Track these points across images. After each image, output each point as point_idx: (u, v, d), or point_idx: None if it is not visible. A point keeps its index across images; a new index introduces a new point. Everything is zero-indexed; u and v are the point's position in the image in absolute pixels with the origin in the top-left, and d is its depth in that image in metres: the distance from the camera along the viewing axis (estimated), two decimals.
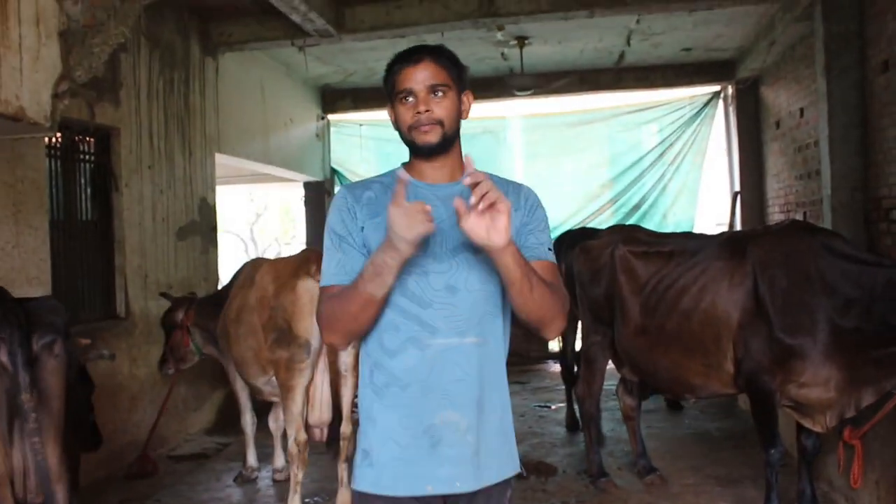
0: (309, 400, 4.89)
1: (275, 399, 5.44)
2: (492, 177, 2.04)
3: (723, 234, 5.83)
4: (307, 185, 12.16)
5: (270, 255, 25.88)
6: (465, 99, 2.22)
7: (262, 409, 6.11)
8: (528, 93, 10.47)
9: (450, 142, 2.17)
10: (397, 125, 2.20)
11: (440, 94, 2.13)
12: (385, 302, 2.04)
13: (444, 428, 2.10)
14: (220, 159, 8.59)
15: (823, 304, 4.03)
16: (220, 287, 7.57)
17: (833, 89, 7.13)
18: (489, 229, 1.89)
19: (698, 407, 7.46)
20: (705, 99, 11.64)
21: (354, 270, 2.08)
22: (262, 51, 9.00)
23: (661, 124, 11.81)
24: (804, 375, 4.09)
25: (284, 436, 6.04)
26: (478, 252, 2.06)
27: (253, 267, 5.65)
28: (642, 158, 11.82)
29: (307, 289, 4.75)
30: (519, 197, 2.25)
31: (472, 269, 2.12)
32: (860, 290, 3.94)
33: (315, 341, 4.75)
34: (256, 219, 29.19)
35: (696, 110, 11.66)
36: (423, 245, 2.01)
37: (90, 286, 6.48)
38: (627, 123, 11.98)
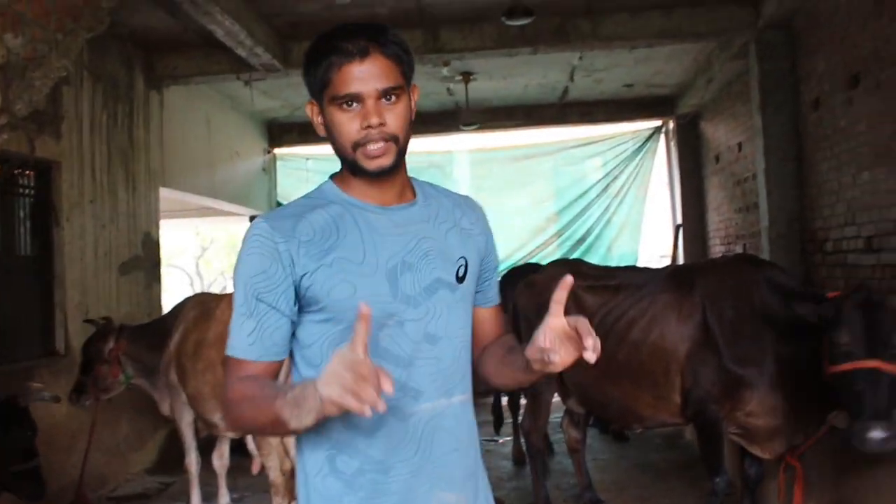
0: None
1: (230, 434, 5.36)
2: (439, 189, 1.85)
3: (669, 267, 5.93)
4: (253, 220, 12.05)
5: (216, 290, 25.60)
6: (413, 96, 1.75)
7: (207, 446, 6.00)
8: (474, 127, 10.58)
9: (403, 158, 1.70)
10: (332, 137, 1.69)
11: (392, 98, 1.65)
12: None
13: None
14: (165, 193, 8.50)
15: (768, 335, 4.12)
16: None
17: (768, 125, 7.36)
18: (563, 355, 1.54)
19: (643, 438, 7.52)
20: (647, 133, 11.89)
21: (275, 342, 1.65)
22: (208, 84, 8.98)
23: (604, 158, 12.03)
24: (751, 404, 4.17)
25: (229, 473, 5.97)
26: (454, 288, 1.73)
27: (201, 302, 5.59)
28: (587, 192, 12.00)
29: None
30: (479, 218, 1.88)
31: (452, 310, 1.72)
32: (798, 322, 4.04)
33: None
34: (202, 253, 28.85)
35: (638, 144, 11.90)
36: (393, 290, 1.65)
37: (29, 322, 6.33)
38: (572, 157, 12.17)
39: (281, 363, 1.69)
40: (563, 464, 6.69)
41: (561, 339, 1.54)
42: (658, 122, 11.80)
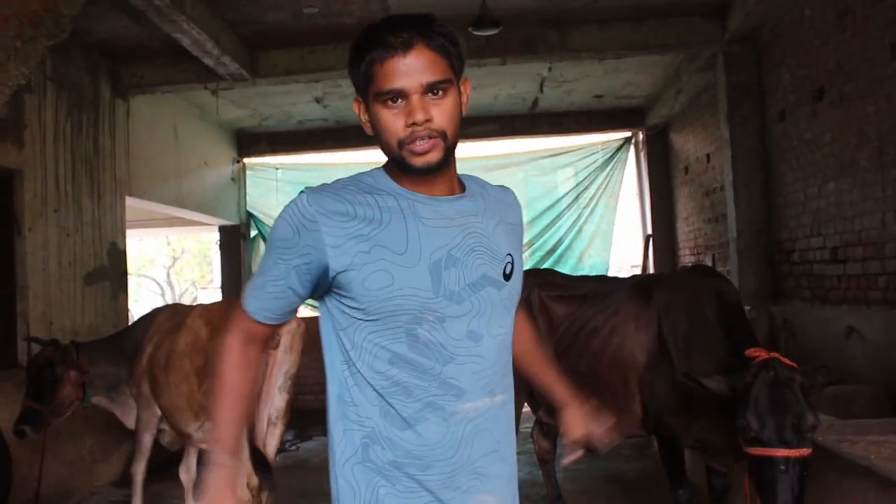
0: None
1: (203, 446, 5.27)
2: (484, 183, 1.81)
3: (633, 277, 5.94)
4: (222, 230, 11.99)
5: (187, 300, 25.40)
6: (464, 90, 1.67)
7: (173, 459, 5.92)
8: None
9: (452, 154, 1.65)
10: (378, 134, 1.62)
11: (440, 93, 1.58)
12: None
13: None
14: (132, 203, 8.41)
15: (715, 348, 4.11)
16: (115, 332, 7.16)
17: (735, 136, 7.42)
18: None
19: (612, 448, 7.51)
20: (618, 144, 11.95)
21: (271, 308, 1.67)
22: (176, 93, 8.90)
23: (575, 168, 12.07)
24: (704, 418, 4.17)
25: (197, 486, 5.88)
26: (500, 286, 1.68)
27: (175, 312, 5.51)
28: (558, 202, 12.03)
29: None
30: (518, 212, 1.87)
31: (496, 308, 1.67)
32: (744, 337, 4.03)
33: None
34: (173, 263, 28.68)
35: (608, 155, 11.95)
36: (435, 285, 1.59)
37: None
38: (543, 168, 12.20)
39: (273, 327, 1.74)
40: (533, 474, 6.67)
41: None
42: (628, 133, 11.86)
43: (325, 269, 1.58)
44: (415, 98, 1.56)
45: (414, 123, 1.55)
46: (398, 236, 1.58)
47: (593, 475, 6.83)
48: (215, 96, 8.65)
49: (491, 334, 1.65)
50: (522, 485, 6.28)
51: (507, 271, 1.71)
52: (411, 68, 1.55)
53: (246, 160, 12.01)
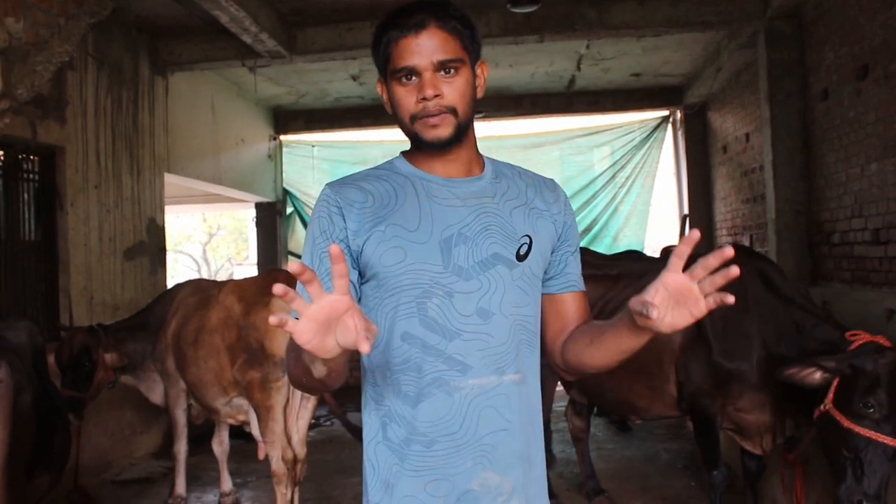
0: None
1: (230, 421, 5.36)
2: (518, 170, 1.83)
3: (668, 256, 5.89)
4: (259, 206, 12.09)
5: (223, 276, 25.67)
6: (479, 72, 1.74)
7: (208, 433, 6.02)
8: (480, 116, 10.55)
9: (464, 131, 1.70)
10: (394, 111, 1.71)
11: (451, 71, 1.65)
12: (337, 379, 1.52)
13: (483, 495, 1.65)
14: (170, 179, 8.49)
15: (759, 330, 4.08)
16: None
17: (776, 115, 7.30)
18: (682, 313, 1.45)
19: (647, 428, 7.51)
20: (655, 123, 11.83)
21: None
22: (214, 70, 8.95)
23: (612, 147, 11.97)
24: (741, 399, 4.14)
25: (233, 458, 5.98)
26: (512, 265, 1.69)
27: (200, 288, 5.58)
28: (594, 181, 11.96)
29: (281, 306, 4.69)
30: (557, 199, 1.83)
31: (508, 287, 1.68)
32: (788, 321, 4.00)
33: None
34: (209, 239, 28.95)
35: (645, 134, 11.84)
36: (445, 261, 1.64)
37: (34, 307, 6.34)
38: (579, 147, 12.12)
39: None
40: (567, 452, 6.69)
41: (675, 297, 1.46)
42: (666, 112, 11.73)
43: (355, 255, 1.66)
44: (427, 75, 1.64)
45: (424, 98, 1.64)
46: (411, 214, 1.66)
47: (627, 455, 6.83)
48: (253, 73, 8.69)
49: (504, 313, 1.66)
50: (557, 463, 6.32)
51: (522, 252, 1.72)
52: (423, 47, 1.63)
53: (282, 137, 12.06)
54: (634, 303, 1.47)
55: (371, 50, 1.74)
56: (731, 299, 1.41)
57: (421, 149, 1.71)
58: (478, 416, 1.64)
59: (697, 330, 4.28)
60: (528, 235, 1.73)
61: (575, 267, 1.85)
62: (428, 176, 1.71)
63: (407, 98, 1.66)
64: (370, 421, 1.70)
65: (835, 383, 3.43)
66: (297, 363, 1.52)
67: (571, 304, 1.84)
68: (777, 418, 4.11)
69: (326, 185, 1.74)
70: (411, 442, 1.63)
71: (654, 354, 4.45)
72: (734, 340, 4.14)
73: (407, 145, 1.80)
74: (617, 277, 4.90)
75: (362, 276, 1.68)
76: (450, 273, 1.63)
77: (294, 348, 1.56)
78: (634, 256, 5.97)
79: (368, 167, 1.81)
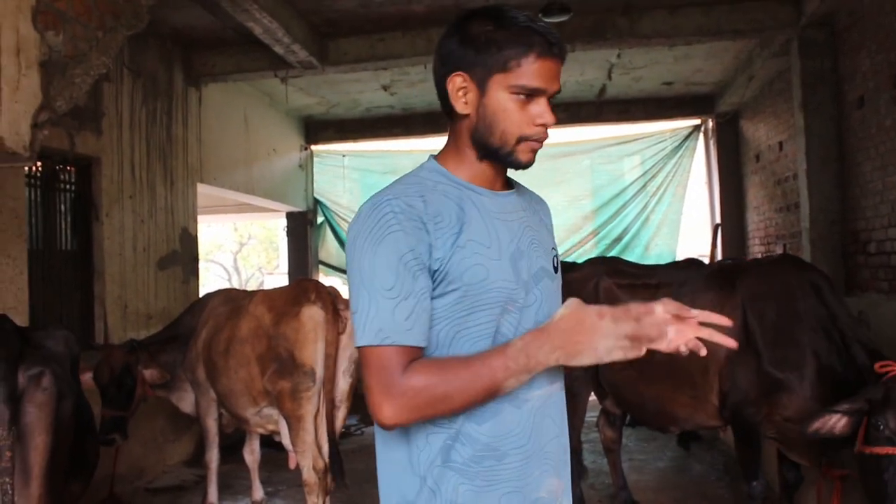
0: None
1: (260, 431, 5.39)
2: (521, 186, 1.83)
3: (710, 265, 5.83)
4: (290, 216, 12.16)
5: (253, 286, 25.83)
6: None
7: (238, 442, 6.05)
8: None
9: None
10: (491, 120, 1.63)
11: (550, 100, 1.65)
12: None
13: (549, 502, 1.67)
14: (203, 189, 8.58)
15: (810, 340, 4.05)
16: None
17: (810, 124, 7.23)
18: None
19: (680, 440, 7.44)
20: (686, 132, 11.76)
21: (428, 326, 1.56)
22: (246, 81, 9.04)
23: (643, 156, 11.91)
24: (789, 409, 4.10)
25: (264, 467, 6.01)
26: (553, 277, 1.74)
27: (230, 298, 5.62)
28: (624, 190, 11.90)
29: (311, 316, 4.72)
30: (549, 216, 1.91)
31: (550, 299, 1.71)
32: (838, 334, 3.98)
33: (320, 369, 4.72)
34: (240, 248, 29.17)
35: (677, 143, 11.77)
36: (516, 276, 1.64)
37: (69, 316, 6.42)
38: (610, 155, 12.07)
39: (423, 352, 1.58)
40: (599, 463, 6.65)
41: None
42: (697, 121, 11.66)
43: (432, 271, 1.57)
44: (545, 100, 1.62)
45: (544, 124, 1.62)
46: (481, 230, 1.62)
47: (660, 466, 6.77)
48: (285, 84, 8.76)
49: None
50: (588, 473, 6.28)
51: (555, 264, 1.77)
52: (553, 73, 1.62)
53: (313, 147, 12.15)
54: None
55: (465, 42, 1.63)
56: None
57: (489, 160, 1.67)
58: (541, 426, 1.65)
59: (745, 339, 4.25)
60: (554, 248, 1.80)
61: None
62: (477, 188, 1.67)
63: (521, 116, 1.61)
64: (429, 445, 1.60)
65: (864, 422, 3.43)
66: (471, 384, 1.50)
67: None
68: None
69: (388, 195, 1.59)
70: (482, 459, 1.59)
71: (700, 363, 4.41)
72: (785, 350, 4.11)
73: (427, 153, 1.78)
74: (657, 286, 4.86)
75: (437, 290, 1.58)
76: (521, 288, 1.63)
77: (449, 370, 1.52)
78: (671, 266, 5.87)
79: (398, 176, 1.71)
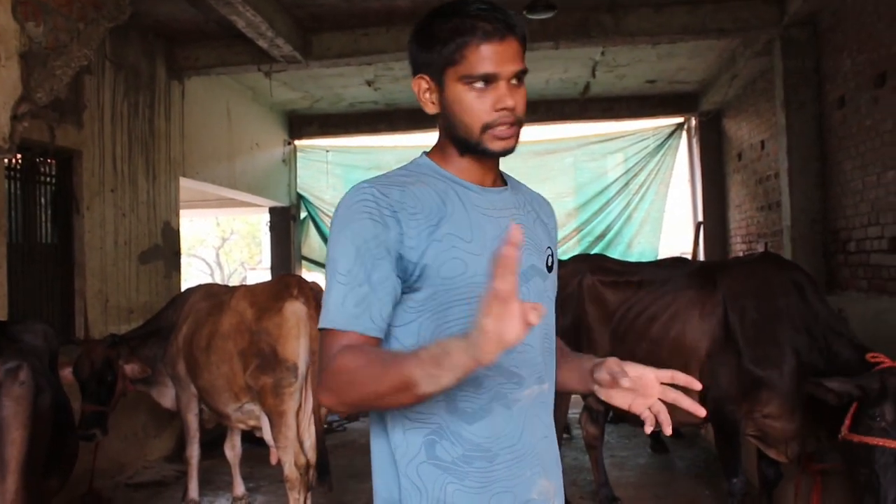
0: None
1: (241, 427, 5.37)
2: (519, 182, 1.81)
3: (693, 263, 5.87)
4: (273, 211, 12.12)
5: (236, 280, 25.73)
6: None
7: (220, 437, 6.03)
8: None
9: None
10: (454, 115, 1.62)
11: (518, 81, 1.62)
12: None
13: (541, 502, 1.66)
14: (185, 183, 8.53)
15: (790, 338, 4.08)
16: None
17: (792, 123, 7.28)
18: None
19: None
20: (669, 130, 11.80)
21: (382, 317, 1.53)
22: (229, 75, 8.99)
23: (626, 154, 11.96)
24: (769, 406, 4.13)
25: (245, 463, 5.98)
26: (545, 276, 1.72)
27: (211, 293, 5.58)
28: (608, 187, 11.94)
29: (293, 311, 4.70)
30: (551, 214, 1.88)
31: (541, 298, 1.68)
32: (820, 331, 4.01)
33: (303, 364, 4.70)
34: (222, 243, 29.03)
35: (660, 141, 11.81)
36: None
37: (49, 310, 6.36)
38: (593, 153, 12.10)
39: (378, 343, 1.55)
40: (580, 460, 6.67)
41: (640, 387, 1.67)
42: (680, 119, 11.71)
43: (404, 262, 1.54)
44: (503, 84, 1.58)
45: (503, 108, 1.58)
46: (463, 224, 1.59)
47: (641, 462, 6.80)
48: (268, 78, 8.72)
49: (540, 323, 1.57)
50: (570, 471, 6.30)
51: (549, 263, 1.75)
52: (505, 56, 1.57)
53: (297, 142, 12.11)
54: (613, 364, 1.65)
55: (421, 44, 1.64)
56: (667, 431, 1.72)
57: (469, 155, 1.65)
58: (531, 426, 1.64)
59: (725, 336, 4.28)
60: (549, 247, 1.76)
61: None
62: (465, 183, 1.65)
63: (479, 104, 1.58)
64: (406, 440, 1.59)
65: (851, 410, 3.44)
66: (384, 377, 1.40)
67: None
68: (804, 426, 4.10)
69: (365, 183, 1.59)
70: (472, 459, 1.57)
71: (681, 361, 4.44)
72: (765, 348, 4.14)
73: (421, 149, 1.77)
74: (639, 283, 4.89)
75: (409, 284, 1.55)
76: None
77: (369, 356, 1.45)
78: (655, 264, 5.90)
79: (382, 172, 1.70)
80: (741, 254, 9.90)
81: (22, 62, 3.70)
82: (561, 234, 11.89)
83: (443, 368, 1.32)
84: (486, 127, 1.59)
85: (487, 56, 1.56)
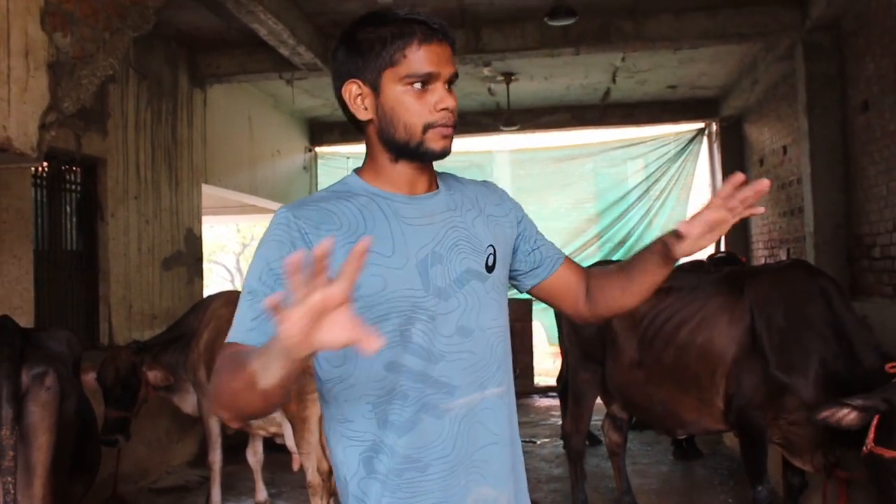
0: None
1: (262, 433, 5.39)
2: (459, 178, 1.80)
3: (721, 269, 5.83)
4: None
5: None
6: None
7: (242, 443, 6.05)
8: (515, 128, 10.55)
9: None
10: (393, 117, 1.61)
11: (451, 85, 1.64)
12: (280, 394, 1.31)
13: None
14: (207, 190, 8.59)
15: (818, 346, 4.05)
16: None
17: (815, 128, 7.23)
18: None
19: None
20: (690, 135, 11.76)
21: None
22: (251, 82, 9.05)
23: (646, 160, 11.92)
24: (795, 413, 4.11)
25: (267, 469, 6.01)
26: (484, 278, 1.68)
27: (232, 300, 5.61)
28: (628, 193, 11.91)
29: None
30: (502, 198, 1.84)
31: (483, 301, 1.66)
32: (846, 339, 3.99)
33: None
34: (243, 249, 29.13)
35: (681, 146, 11.77)
36: (425, 284, 1.58)
37: (74, 316, 6.43)
38: (613, 159, 12.08)
39: None
40: (602, 467, 6.64)
41: (710, 226, 1.70)
42: (701, 125, 11.66)
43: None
44: (441, 85, 1.60)
45: (445, 108, 1.59)
46: (384, 238, 1.58)
47: (663, 470, 6.77)
48: (290, 86, 8.77)
49: (481, 328, 1.64)
50: (592, 478, 6.28)
51: (490, 263, 1.71)
52: (443, 57, 1.60)
53: (317, 149, 12.17)
54: (685, 221, 1.71)
55: (348, 49, 1.65)
56: (760, 210, 1.69)
57: (406, 159, 1.63)
58: (467, 435, 1.61)
59: (752, 342, 4.26)
60: (491, 245, 1.72)
61: (548, 244, 1.89)
62: (390, 195, 1.63)
63: (420, 105, 1.59)
64: (346, 458, 1.60)
65: (874, 422, 3.39)
66: (237, 374, 1.32)
67: (569, 273, 1.90)
68: (830, 435, 4.07)
69: (284, 208, 1.59)
70: (404, 471, 1.57)
71: (707, 366, 4.42)
72: (792, 354, 4.11)
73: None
74: (668, 290, 4.85)
75: None
76: (431, 296, 1.58)
77: (233, 357, 1.40)
78: (681, 270, 5.86)
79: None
80: (763, 260, 9.85)
81: (50, 72, 3.74)
82: (581, 240, 11.88)
83: (270, 357, 1.23)
84: (428, 126, 1.59)
85: (428, 57, 1.58)
